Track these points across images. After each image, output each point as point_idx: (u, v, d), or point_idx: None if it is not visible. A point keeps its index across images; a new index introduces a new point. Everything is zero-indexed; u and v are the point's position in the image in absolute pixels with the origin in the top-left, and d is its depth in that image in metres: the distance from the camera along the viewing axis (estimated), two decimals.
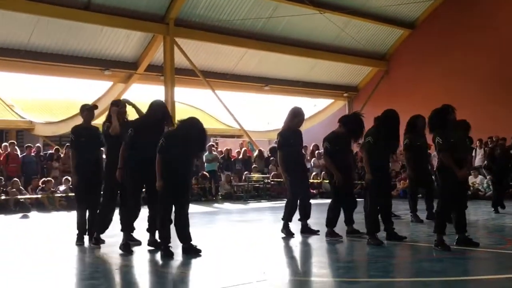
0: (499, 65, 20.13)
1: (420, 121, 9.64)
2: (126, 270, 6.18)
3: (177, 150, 6.46)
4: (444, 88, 20.73)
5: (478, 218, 10.81)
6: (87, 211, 7.62)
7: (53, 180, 15.49)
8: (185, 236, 6.64)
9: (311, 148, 20.21)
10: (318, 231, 8.16)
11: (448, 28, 21.64)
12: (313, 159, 19.45)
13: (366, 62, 24.07)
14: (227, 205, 16.00)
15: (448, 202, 6.75)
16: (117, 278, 5.82)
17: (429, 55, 22.12)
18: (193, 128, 6.49)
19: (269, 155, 20.17)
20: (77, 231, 7.67)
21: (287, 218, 8.26)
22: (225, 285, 5.04)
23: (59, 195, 15.08)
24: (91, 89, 21.23)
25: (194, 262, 6.34)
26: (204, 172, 18.01)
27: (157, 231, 6.81)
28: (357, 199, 8.20)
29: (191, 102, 28.10)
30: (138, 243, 7.33)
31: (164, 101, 15.54)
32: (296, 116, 8.32)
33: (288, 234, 8.15)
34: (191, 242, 6.68)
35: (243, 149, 20.48)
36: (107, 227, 7.59)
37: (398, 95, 22.43)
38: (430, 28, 22.43)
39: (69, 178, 12.58)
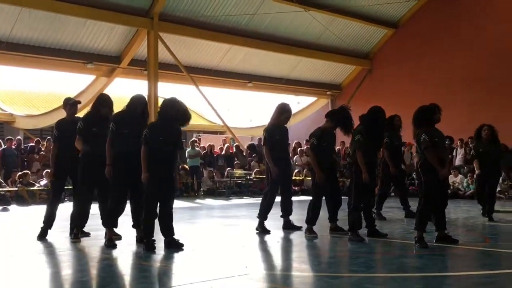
0: (480, 65, 20.37)
1: (396, 120, 9.78)
2: (109, 263, 6.15)
3: (161, 140, 6.49)
4: (426, 88, 20.93)
5: (458, 216, 10.95)
6: (73, 205, 7.58)
7: (30, 173, 15.38)
8: (168, 230, 6.64)
9: (293, 145, 20.27)
10: (301, 227, 8.21)
11: (431, 28, 21.84)
12: (296, 156, 19.51)
13: (350, 60, 24.20)
14: (209, 201, 16.00)
15: (430, 200, 6.83)
16: (99, 271, 5.79)
17: (412, 55, 22.31)
18: (172, 108, 6.60)
19: (249, 152, 20.21)
20: (42, 225, 7.55)
21: (263, 217, 8.29)
22: (207, 279, 5.06)
23: (39, 188, 14.96)
24: (74, 82, 21.01)
25: (177, 256, 6.34)
26: (185, 165, 17.97)
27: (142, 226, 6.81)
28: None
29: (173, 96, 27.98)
30: (119, 237, 7.30)
31: (146, 95, 15.49)
32: (283, 112, 8.32)
33: (263, 231, 8.18)
34: (174, 237, 6.69)
35: (225, 145, 20.49)
36: (85, 221, 7.56)
37: (381, 93, 22.60)
38: (413, 28, 22.62)
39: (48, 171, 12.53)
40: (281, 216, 8.43)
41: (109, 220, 7.00)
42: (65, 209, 8.10)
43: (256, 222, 8.38)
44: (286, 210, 8.36)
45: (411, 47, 22.43)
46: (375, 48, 24.26)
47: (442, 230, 7.06)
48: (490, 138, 9.87)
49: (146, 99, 7.47)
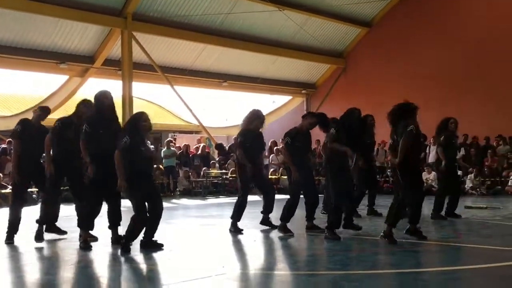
0: (453, 63, 20.67)
1: (370, 120, 9.85)
2: (85, 265, 6.10)
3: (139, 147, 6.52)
4: (400, 86, 21.15)
5: (430, 213, 11.08)
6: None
7: (1, 175, 15.20)
8: (152, 231, 6.65)
9: (269, 144, 20.31)
10: (278, 226, 8.24)
11: (404, 27, 22.08)
12: (271, 155, 19.56)
13: (324, 59, 24.33)
14: (185, 201, 15.95)
15: (409, 195, 6.95)
16: (76, 274, 5.75)
17: (386, 53, 22.54)
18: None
19: (217, 151, 20.25)
20: (7, 229, 7.41)
21: (236, 218, 8.31)
22: (185, 279, 5.06)
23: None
24: (47, 83, 20.74)
25: (155, 257, 6.32)
26: (160, 166, 17.90)
27: (118, 227, 6.78)
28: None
29: (149, 97, 27.84)
30: (95, 239, 7.24)
31: (120, 96, 15.29)
32: (254, 119, 8.33)
33: (236, 231, 8.20)
34: (153, 238, 6.69)
35: (201, 145, 20.45)
36: (53, 221, 7.52)
37: (355, 92, 22.78)
38: (386, 27, 22.84)
39: None
40: (261, 212, 8.49)
41: (86, 222, 6.94)
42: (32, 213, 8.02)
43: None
44: (267, 208, 8.41)
45: (384, 46, 22.65)
46: (349, 47, 24.44)
47: (415, 224, 7.20)
48: (455, 131, 9.96)
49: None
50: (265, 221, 8.48)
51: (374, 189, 10.66)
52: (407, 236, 7.08)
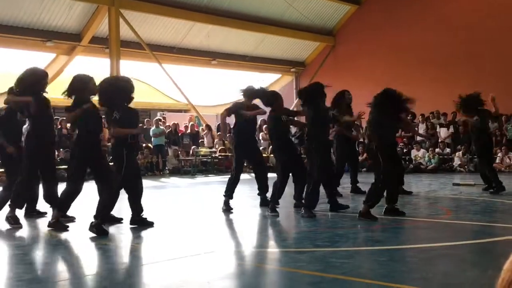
0: (440, 42, 20.63)
1: (347, 95, 9.70)
2: (66, 245, 6.07)
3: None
4: (388, 64, 21.15)
5: (419, 190, 11.16)
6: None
7: None
8: (138, 208, 6.62)
9: (259, 123, 20.27)
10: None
11: (392, 5, 21.97)
12: (261, 133, 19.54)
13: (313, 37, 24.21)
14: (174, 180, 15.93)
15: (390, 176, 6.98)
16: (61, 253, 5.72)
17: (374, 31, 22.45)
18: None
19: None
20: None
21: (228, 195, 8.30)
22: (174, 257, 5.05)
23: None
24: (33, 60, 20.44)
25: (144, 234, 6.31)
26: (149, 144, 17.83)
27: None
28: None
29: (137, 75, 27.58)
30: (72, 219, 7.17)
31: (108, 74, 15.18)
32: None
33: (228, 209, 8.19)
34: (142, 215, 6.68)
35: (190, 124, 20.38)
36: (23, 205, 7.48)
37: (344, 70, 22.74)
38: (375, 5, 22.73)
39: None
40: (258, 194, 8.48)
41: (63, 203, 6.76)
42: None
43: (222, 200, 8.39)
44: (262, 188, 8.42)
45: (373, 24, 22.55)
46: (338, 24, 24.32)
47: (393, 204, 7.25)
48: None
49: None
50: (264, 201, 8.44)
51: (355, 165, 10.67)
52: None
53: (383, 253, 5.11)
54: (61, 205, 6.64)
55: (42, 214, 7.73)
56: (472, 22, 19.86)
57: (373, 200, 6.88)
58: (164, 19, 19.82)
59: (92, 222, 6.17)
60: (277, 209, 7.62)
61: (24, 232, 6.79)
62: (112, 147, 6.81)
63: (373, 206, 6.89)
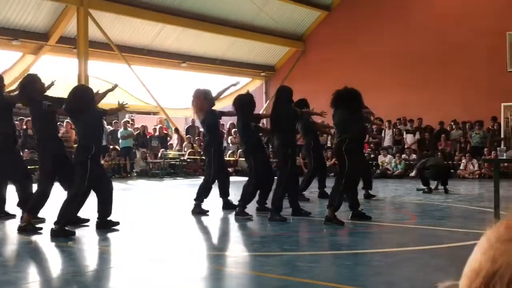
0: (410, 49, 20.96)
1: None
2: (35, 246, 5.98)
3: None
4: (357, 70, 21.37)
5: (385, 195, 11.32)
6: None
7: None
8: (107, 211, 6.57)
9: (227, 126, 20.29)
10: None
11: (362, 12, 22.23)
12: (230, 137, 19.55)
13: (284, 42, 24.33)
14: (142, 182, 15.80)
15: (354, 180, 7.08)
16: (30, 255, 5.62)
17: (344, 38, 22.68)
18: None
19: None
20: None
21: (200, 200, 8.28)
22: (140, 261, 5.01)
23: None
24: None
25: (112, 237, 6.25)
26: (116, 146, 17.66)
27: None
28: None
29: (106, 77, 27.29)
30: (42, 220, 7.06)
31: (76, 74, 14.98)
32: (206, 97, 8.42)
33: (201, 212, 8.16)
34: (108, 218, 6.62)
35: (158, 126, 20.26)
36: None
37: (313, 75, 22.91)
38: (345, 11, 22.97)
39: None
40: (220, 196, 8.48)
41: (35, 206, 6.72)
42: None
43: (192, 204, 8.35)
44: (225, 191, 8.43)
45: (343, 31, 22.79)
46: (308, 30, 24.49)
47: (357, 208, 7.36)
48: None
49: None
50: (227, 204, 8.46)
51: (324, 171, 10.75)
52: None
53: (350, 257, 5.17)
54: (33, 208, 6.58)
55: (11, 216, 7.60)
56: (441, 28, 20.24)
57: (336, 204, 6.92)
58: (134, 20, 19.66)
59: (53, 227, 6.09)
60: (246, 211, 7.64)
61: None
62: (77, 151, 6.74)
63: (337, 209, 6.93)
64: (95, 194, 6.70)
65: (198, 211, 8.13)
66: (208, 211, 8.12)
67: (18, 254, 5.62)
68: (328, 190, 10.12)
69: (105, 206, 6.61)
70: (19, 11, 17.36)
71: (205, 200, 8.27)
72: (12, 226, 6.84)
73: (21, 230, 6.44)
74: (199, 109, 8.41)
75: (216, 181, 8.43)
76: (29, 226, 6.48)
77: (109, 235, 6.36)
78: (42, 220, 7.01)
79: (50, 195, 6.65)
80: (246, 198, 7.82)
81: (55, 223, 6.08)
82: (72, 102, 6.45)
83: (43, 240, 6.12)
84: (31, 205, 6.66)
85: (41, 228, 6.53)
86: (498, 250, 0.61)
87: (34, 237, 6.24)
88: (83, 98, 6.47)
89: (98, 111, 6.77)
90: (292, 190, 7.97)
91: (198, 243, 6.45)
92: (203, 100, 8.35)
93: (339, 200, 6.93)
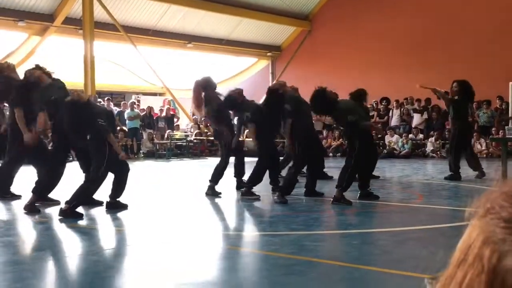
0: (416, 28, 20.78)
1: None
2: (47, 226, 6.03)
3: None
4: (363, 50, 21.22)
5: (392, 175, 11.31)
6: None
7: None
8: (119, 192, 6.61)
9: None
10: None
11: None
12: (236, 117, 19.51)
13: (290, 21, 24.15)
14: (149, 163, 15.85)
15: (363, 162, 7.06)
16: (33, 234, 5.67)
17: (350, 17, 22.47)
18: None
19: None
20: None
21: (215, 180, 8.27)
22: (152, 242, 5.05)
23: None
24: (4, 41, 20.02)
25: (123, 218, 6.29)
26: (123, 127, 17.68)
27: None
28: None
29: (111, 57, 27.25)
30: (57, 202, 7.09)
31: (82, 55, 14.99)
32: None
33: (214, 194, 8.16)
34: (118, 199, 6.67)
35: (165, 107, 20.26)
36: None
37: (320, 55, 22.77)
38: None
39: None
40: (234, 176, 8.50)
41: (46, 187, 6.82)
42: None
43: (201, 183, 8.37)
44: (239, 172, 8.44)
45: (349, 10, 22.56)
46: (315, 9, 24.28)
47: (366, 188, 7.36)
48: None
49: None
50: (240, 184, 8.45)
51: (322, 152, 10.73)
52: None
53: (356, 237, 5.18)
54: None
55: (17, 197, 7.65)
56: (447, 8, 20.01)
57: (345, 184, 6.93)
58: (139, 0, 19.56)
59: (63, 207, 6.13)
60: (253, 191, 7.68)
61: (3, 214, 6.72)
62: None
63: (345, 190, 6.94)
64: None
65: (211, 193, 8.12)
66: (220, 193, 8.10)
67: (34, 234, 5.67)
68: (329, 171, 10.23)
69: (119, 187, 6.64)
70: None
71: (219, 181, 8.25)
72: (18, 207, 6.88)
73: (28, 208, 6.52)
74: (197, 105, 8.30)
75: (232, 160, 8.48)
76: (31, 207, 6.55)
77: (120, 215, 6.39)
78: (57, 202, 7.03)
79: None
80: (253, 178, 7.86)
81: (66, 203, 6.12)
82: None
83: (54, 220, 6.17)
84: (43, 185, 6.79)
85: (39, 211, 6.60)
86: (473, 226, 0.67)
87: (45, 218, 6.30)
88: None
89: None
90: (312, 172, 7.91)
91: (206, 223, 6.48)
92: (198, 95, 8.22)
93: (347, 181, 6.93)
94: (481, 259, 0.60)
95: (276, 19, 23.40)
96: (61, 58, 21.46)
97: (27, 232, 5.81)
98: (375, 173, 10.15)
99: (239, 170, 8.49)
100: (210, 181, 8.23)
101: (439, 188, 9.01)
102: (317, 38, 24.05)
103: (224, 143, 8.29)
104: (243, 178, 8.45)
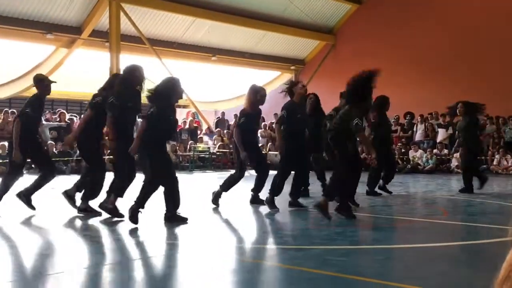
0: (440, 43, 20.66)
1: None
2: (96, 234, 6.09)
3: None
4: (387, 64, 21.05)
5: (417, 190, 11.20)
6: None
7: None
8: (175, 204, 6.69)
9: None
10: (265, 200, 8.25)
11: (393, 5, 21.97)
12: (260, 130, 19.55)
13: (314, 35, 24.21)
14: None
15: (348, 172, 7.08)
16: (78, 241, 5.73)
17: (374, 31, 22.45)
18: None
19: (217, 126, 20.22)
20: None
21: (225, 189, 8.30)
22: (181, 253, 5.06)
23: None
24: (32, 53, 20.37)
25: (139, 227, 6.34)
26: None
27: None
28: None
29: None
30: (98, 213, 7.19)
31: (108, 68, 15.22)
32: (257, 92, 8.36)
33: (217, 202, 8.26)
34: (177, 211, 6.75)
35: (189, 119, 20.40)
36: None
37: (344, 69, 22.60)
38: (376, 4, 22.72)
39: (5, 144, 12.51)
40: (251, 190, 8.49)
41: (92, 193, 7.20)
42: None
43: (224, 194, 8.39)
44: (258, 188, 8.40)
45: (374, 24, 22.55)
46: (339, 23, 24.31)
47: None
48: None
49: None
50: (255, 199, 8.45)
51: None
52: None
53: (380, 252, 5.14)
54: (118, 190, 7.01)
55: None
56: (472, 24, 19.87)
57: (330, 193, 6.96)
58: (165, 14, 19.81)
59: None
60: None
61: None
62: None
63: (332, 199, 7.03)
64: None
65: (214, 199, 8.27)
66: (219, 205, 8.18)
67: (76, 239, 5.74)
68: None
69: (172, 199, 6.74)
70: (53, 5, 17.65)
71: (228, 191, 8.32)
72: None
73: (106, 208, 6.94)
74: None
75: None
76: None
77: (138, 226, 6.44)
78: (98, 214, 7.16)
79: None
80: (274, 189, 7.94)
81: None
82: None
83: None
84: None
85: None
86: None
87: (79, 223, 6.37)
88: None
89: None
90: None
91: (227, 235, 6.49)
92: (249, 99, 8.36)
93: (330, 190, 6.94)
94: None
95: (300, 32, 23.48)
96: (87, 71, 21.78)
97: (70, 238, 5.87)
98: (404, 189, 10.06)
99: (257, 186, 8.43)
100: (220, 186, 8.30)
101: (464, 205, 8.89)
102: (340, 52, 24.04)
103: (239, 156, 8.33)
104: (258, 194, 8.42)
